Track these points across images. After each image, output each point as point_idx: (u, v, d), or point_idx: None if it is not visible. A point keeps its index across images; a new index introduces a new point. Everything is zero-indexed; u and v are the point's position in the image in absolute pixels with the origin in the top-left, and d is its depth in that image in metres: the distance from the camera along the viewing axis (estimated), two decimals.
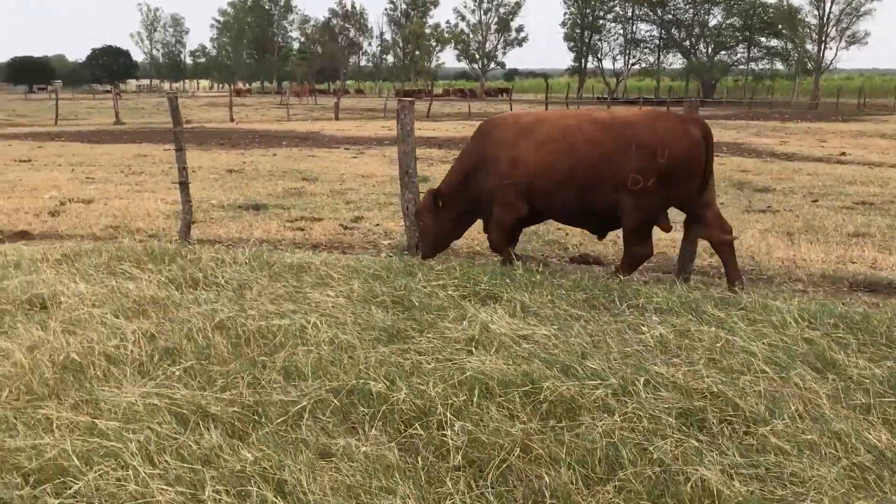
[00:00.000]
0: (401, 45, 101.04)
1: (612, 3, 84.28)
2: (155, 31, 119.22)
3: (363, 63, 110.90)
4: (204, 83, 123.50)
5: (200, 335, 4.50)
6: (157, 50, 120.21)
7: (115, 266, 6.00)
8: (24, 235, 8.52)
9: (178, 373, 3.95)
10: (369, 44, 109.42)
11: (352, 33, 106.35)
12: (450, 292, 5.63)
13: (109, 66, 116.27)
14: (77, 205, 10.76)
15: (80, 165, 16.04)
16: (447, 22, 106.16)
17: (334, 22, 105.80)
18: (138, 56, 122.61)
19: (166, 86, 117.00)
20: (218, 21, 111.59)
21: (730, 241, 6.32)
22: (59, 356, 4.14)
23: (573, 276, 6.18)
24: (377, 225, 9.93)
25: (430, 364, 4.16)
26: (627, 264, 6.46)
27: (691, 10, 79.83)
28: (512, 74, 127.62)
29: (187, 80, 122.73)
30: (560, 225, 9.68)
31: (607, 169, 6.09)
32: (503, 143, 6.55)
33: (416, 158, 7.74)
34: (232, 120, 33.52)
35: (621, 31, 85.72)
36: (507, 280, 5.84)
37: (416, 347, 4.49)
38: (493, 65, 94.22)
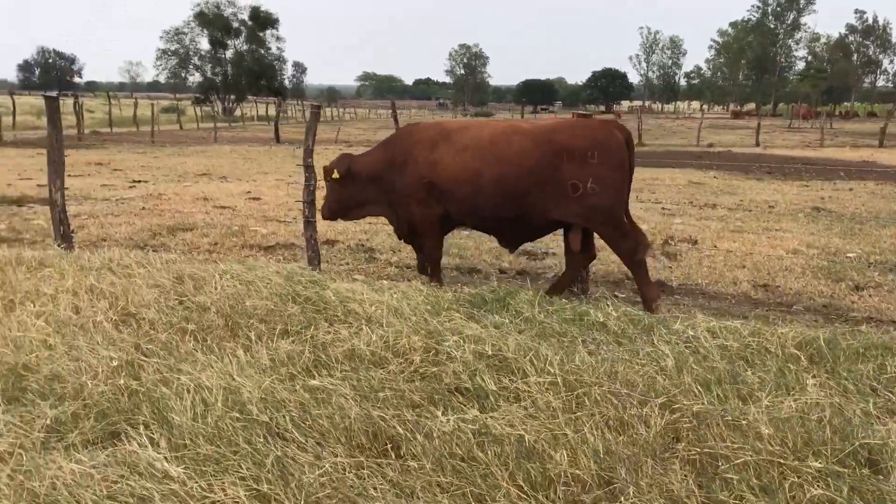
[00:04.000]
0: None
1: None
2: (653, 53, 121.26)
3: (880, 83, 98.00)
4: (694, 104, 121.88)
5: None
6: (653, 72, 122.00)
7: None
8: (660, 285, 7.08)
9: None
10: (891, 61, 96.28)
11: (870, 50, 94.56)
12: None
13: (606, 87, 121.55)
14: (681, 245, 9.23)
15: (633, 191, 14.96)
16: None
17: (850, 38, 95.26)
18: (634, 78, 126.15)
19: (657, 107, 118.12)
20: (716, 42, 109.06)
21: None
22: None
23: None
24: None
25: None
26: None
27: None
28: None
29: (678, 102, 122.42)
30: None
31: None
32: None
33: None
34: (758, 145, 30.70)
35: None
36: None
37: None
38: None
